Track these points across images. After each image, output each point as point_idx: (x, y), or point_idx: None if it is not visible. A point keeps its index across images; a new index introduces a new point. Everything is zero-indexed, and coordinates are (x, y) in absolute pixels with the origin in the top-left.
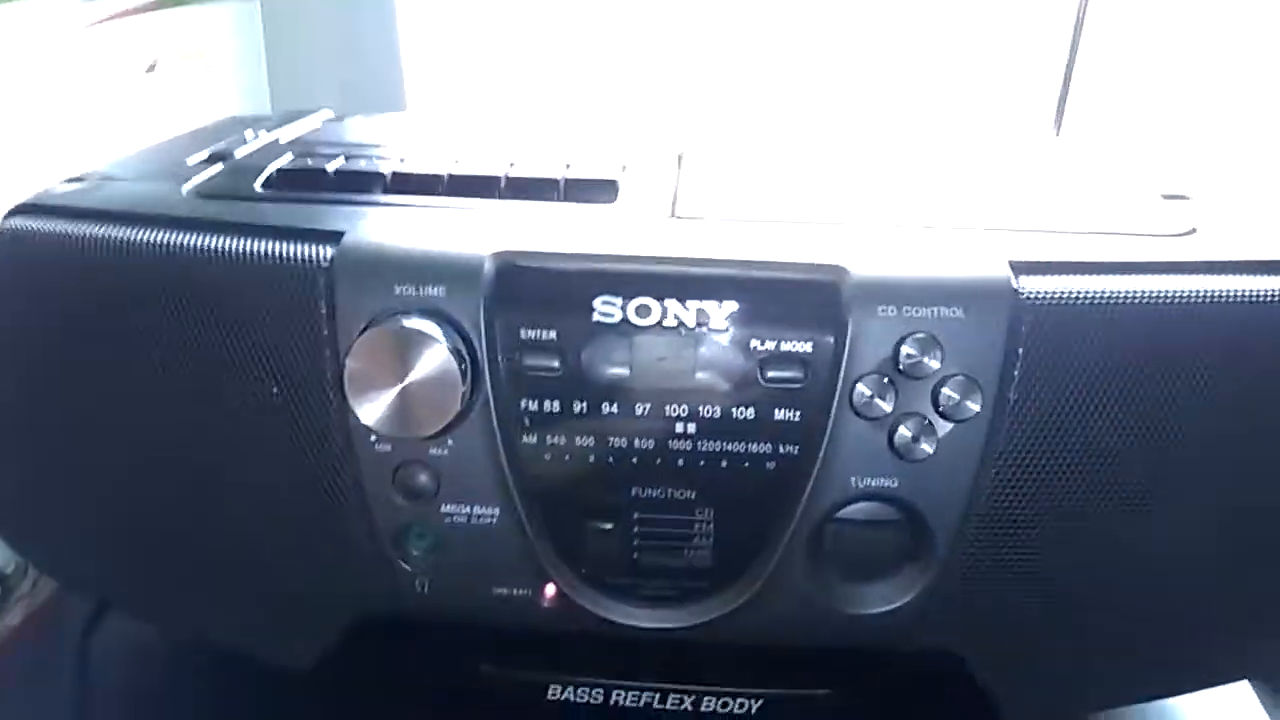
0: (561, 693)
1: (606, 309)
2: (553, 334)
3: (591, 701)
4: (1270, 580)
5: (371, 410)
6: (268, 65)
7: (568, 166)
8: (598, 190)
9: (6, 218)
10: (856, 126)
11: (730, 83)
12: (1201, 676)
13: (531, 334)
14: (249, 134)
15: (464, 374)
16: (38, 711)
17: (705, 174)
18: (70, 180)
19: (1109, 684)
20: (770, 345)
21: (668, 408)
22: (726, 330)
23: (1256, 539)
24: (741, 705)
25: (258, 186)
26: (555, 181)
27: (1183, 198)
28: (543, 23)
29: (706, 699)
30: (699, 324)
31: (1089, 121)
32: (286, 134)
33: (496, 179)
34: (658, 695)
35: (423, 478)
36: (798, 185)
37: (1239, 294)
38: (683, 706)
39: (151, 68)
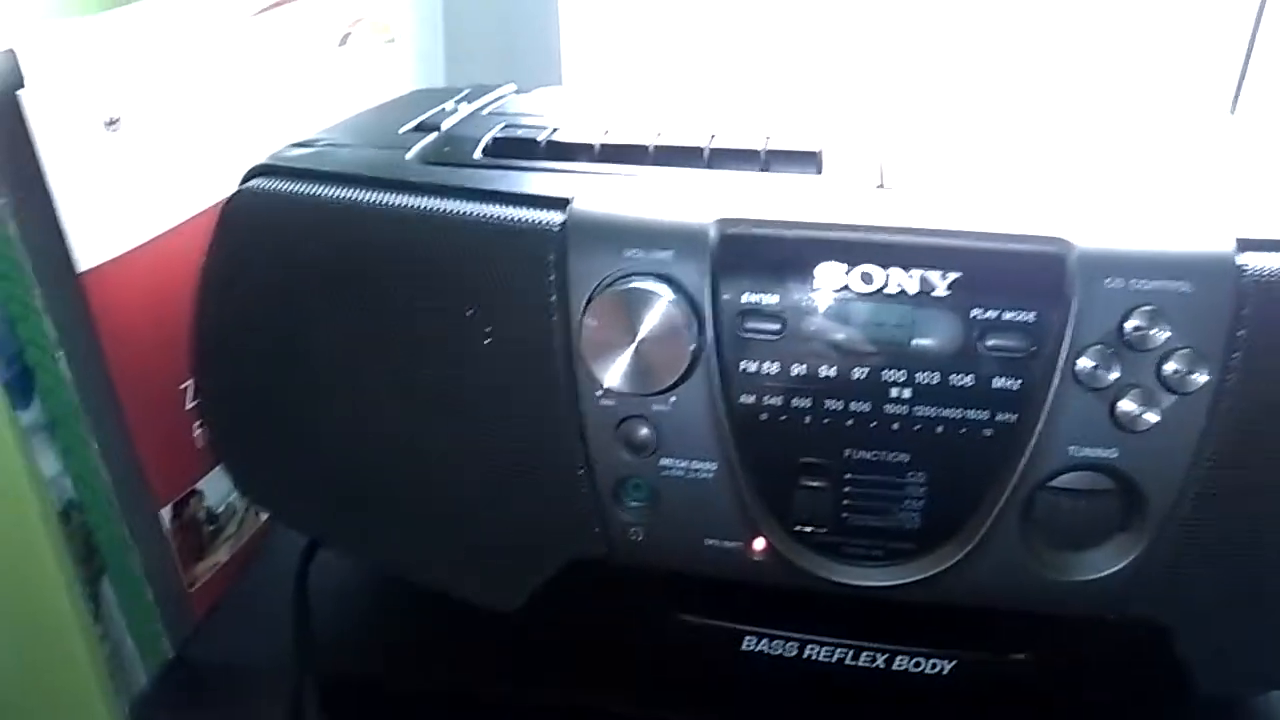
0: (756, 644)
1: (829, 276)
2: (775, 299)
3: (785, 655)
4: None
5: (606, 367)
6: (444, 42)
7: (768, 139)
8: (802, 161)
9: (246, 179)
10: (1041, 106)
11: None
12: None
13: (754, 298)
14: (449, 105)
15: (690, 333)
16: (258, 642)
17: (905, 148)
18: (297, 145)
19: None
20: (992, 314)
21: (885, 372)
22: (948, 298)
23: None
24: (934, 665)
25: (478, 154)
26: (758, 152)
27: None
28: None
29: (899, 658)
30: (921, 291)
31: (1260, 105)
32: (485, 106)
33: (700, 150)
34: (851, 652)
35: (644, 432)
36: (1000, 159)
37: None
38: (875, 664)
39: (344, 41)
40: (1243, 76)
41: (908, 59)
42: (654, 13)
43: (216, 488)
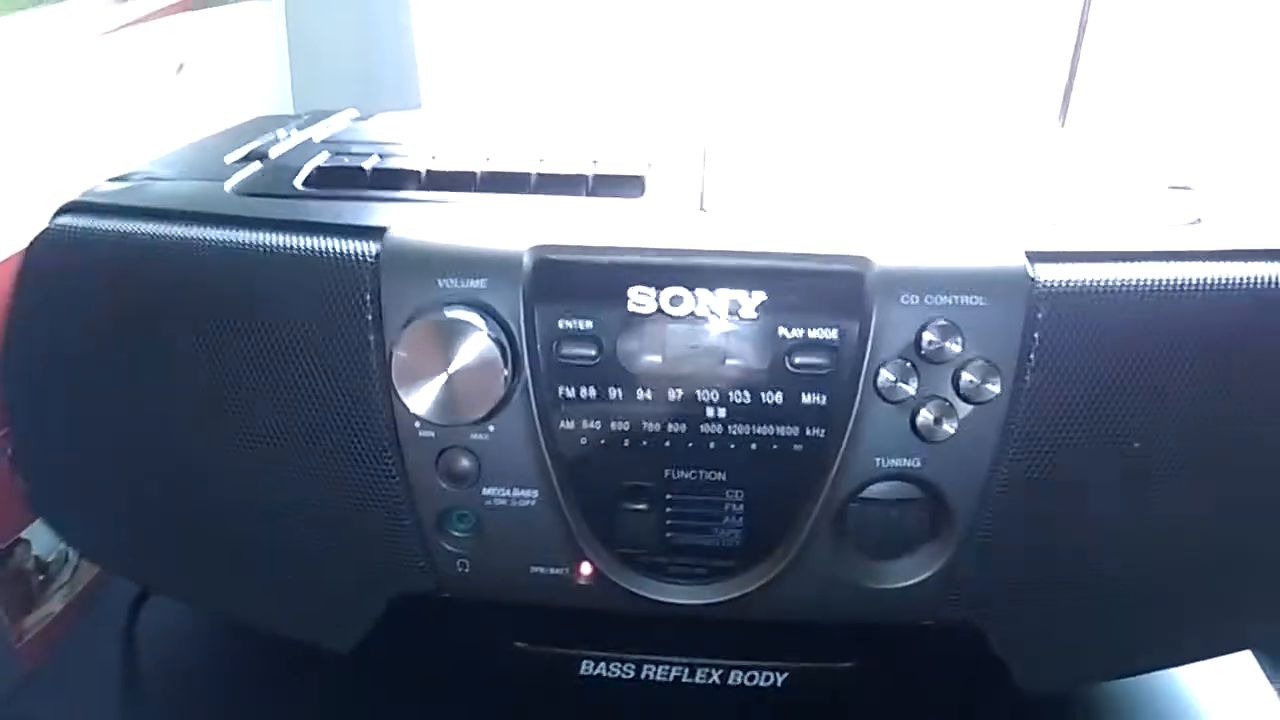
0: (594, 667)
1: (641, 299)
2: (589, 324)
3: (623, 676)
4: (1269, 553)
5: (419, 398)
6: (291, 64)
7: (595, 162)
8: (626, 185)
9: (55, 216)
10: (868, 119)
11: (742, 78)
12: (1206, 647)
13: (569, 324)
14: (281, 133)
15: (505, 362)
16: (85, 695)
17: (729, 168)
18: (114, 180)
19: (1117, 654)
20: (798, 333)
21: (699, 393)
22: (756, 319)
23: (1256, 515)
24: (767, 678)
25: (298, 184)
26: (584, 177)
27: (1187, 188)
28: (550, 21)
29: (734, 672)
30: (730, 313)
31: (1093, 113)
32: (318, 133)
33: (527, 175)
34: (686, 669)
35: (465, 462)
36: (818, 178)
37: (1244, 281)
38: (710, 679)
39: (180, 68)
40: (1070, 86)
41: (745, 69)
42: (510, 31)
43: (45, 535)
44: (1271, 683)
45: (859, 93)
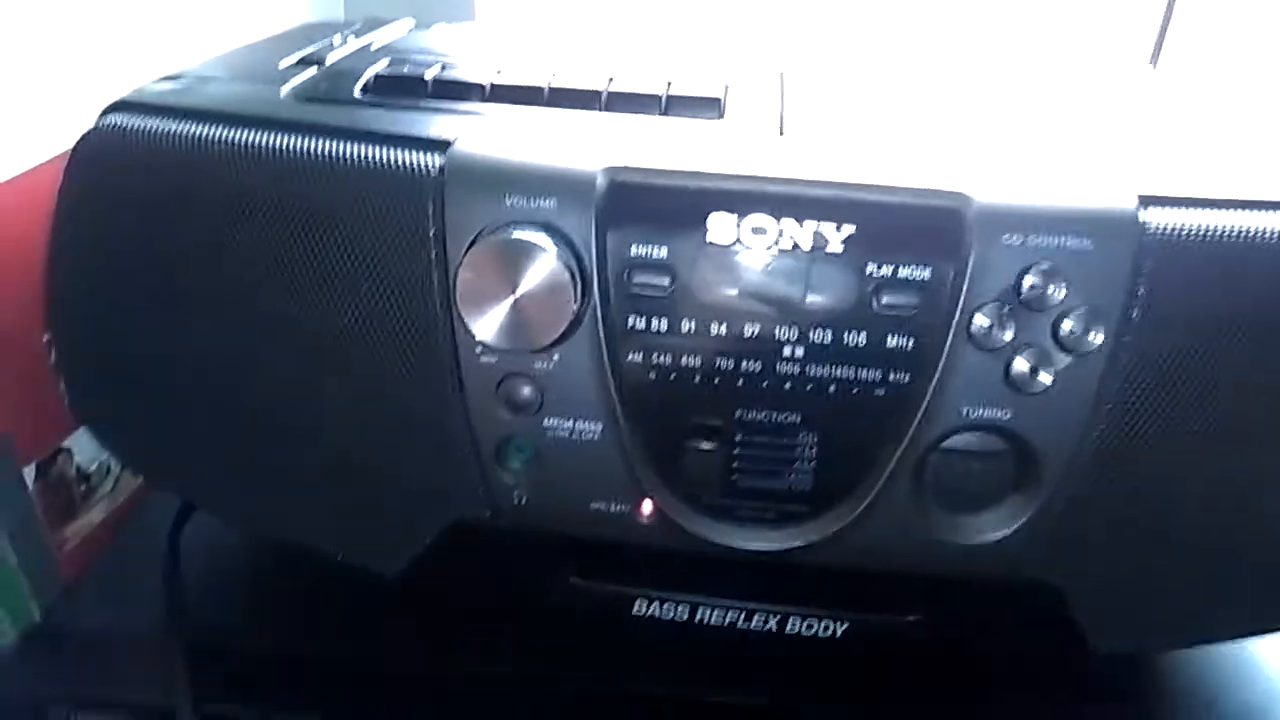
0: (647, 608)
1: (721, 227)
2: (664, 251)
3: (676, 618)
4: None
5: (482, 321)
6: None
7: (668, 82)
8: (702, 107)
9: (103, 114)
10: (952, 52)
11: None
12: None
13: (642, 250)
14: (337, 39)
15: (574, 288)
16: (126, 606)
17: (810, 93)
18: (164, 79)
19: (1198, 620)
20: (887, 271)
21: (777, 330)
22: (843, 253)
23: None
24: (827, 628)
25: (357, 91)
26: (657, 97)
27: None
28: None
29: (792, 620)
30: (815, 246)
31: (1184, 58)
32: (375, 40)
33: (597, 93)
34: (743, 614)
35: (526, 390)
36: (905, 109)
37: None
38: (767, 626)
39: None
40: (1164, 29)
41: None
42: None
43: (88, 445)
44: None
45: (944, 24)
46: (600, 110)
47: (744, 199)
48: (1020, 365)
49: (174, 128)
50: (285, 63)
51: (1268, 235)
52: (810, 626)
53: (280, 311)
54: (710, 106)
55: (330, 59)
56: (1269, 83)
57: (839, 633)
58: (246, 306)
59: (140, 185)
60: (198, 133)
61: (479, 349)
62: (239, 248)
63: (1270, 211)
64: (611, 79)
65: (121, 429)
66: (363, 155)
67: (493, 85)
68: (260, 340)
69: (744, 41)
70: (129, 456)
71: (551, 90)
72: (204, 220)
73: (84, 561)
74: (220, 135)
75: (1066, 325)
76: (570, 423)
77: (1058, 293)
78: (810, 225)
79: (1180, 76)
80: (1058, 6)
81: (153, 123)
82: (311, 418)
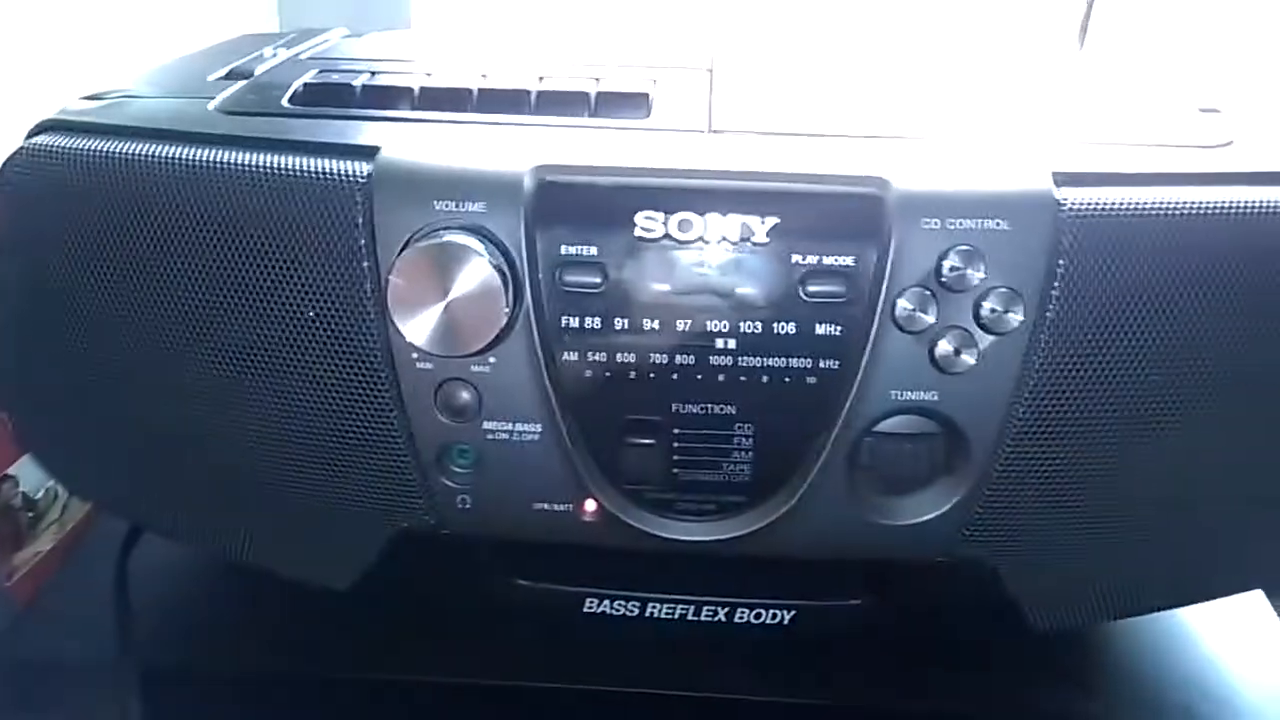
0: (598, 605)
1: (648, 224)
2: (594, 250)
3: (627, 614)
4: None
5: (416, 327)
6: None
7: (597, 80)
8: (630, 104)
9: (30, 135)
10: (880, 39)
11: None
12: (1218, 586)
13: (573, 250)
14: (267, 51)
15: (506, 290)
16: (76, 633)
17: (737, 87)
18: (89, 97)
19: (1129, 592)
20: (812, 259)
21: (709, 323)
22: (768, 244)
23: (1272, 454)
24: (774, 616)
25: (285, 102)
26: (586, 95)
27: (1216, 111)
28: None
29: (740, 610)
30: (741, 238)
31: (1111, 39)
32: (306, 50)
33: (527, 93)
34: (692, 607)
35: (464, 395)
36: (830, 98)
37: (1275, 205)
38: (716, 618)
39: None
40: (1088, 13)
41: None
42: None
43: (33, 472)
44: None
45: (869, 12)
46: (530, 111)
47: (669, 195)
48: (944, 347)
49: (102, 146)
50: (213, 76)
51: (1183, 209)
52: (758, 615)
53: (215, 327)
54: (638, 104)
55: (259, 71)
56: (1192, 60)
57: (786, 619)
58: (182, 324)
59: (71, 206)
60: (126, 150)
61: (415, 355)
62: (171, 264)
63: (1184, 186)
64: (541, 78)
65: (64, 455)
66: (290, 165)
67: (421, 90)
68: (196, 356)
69: (673, 36)
70: (74, 482)
71: (481, 93)
72: (136, 238)
73: (34, 589)
74: (148, 152)
75: (987, 306)
76: (510, 425)
77: (977, 274)
78: (735, 218)
79: (1104, 58)
80: None
81: (81, 142)
82: (250, 433)
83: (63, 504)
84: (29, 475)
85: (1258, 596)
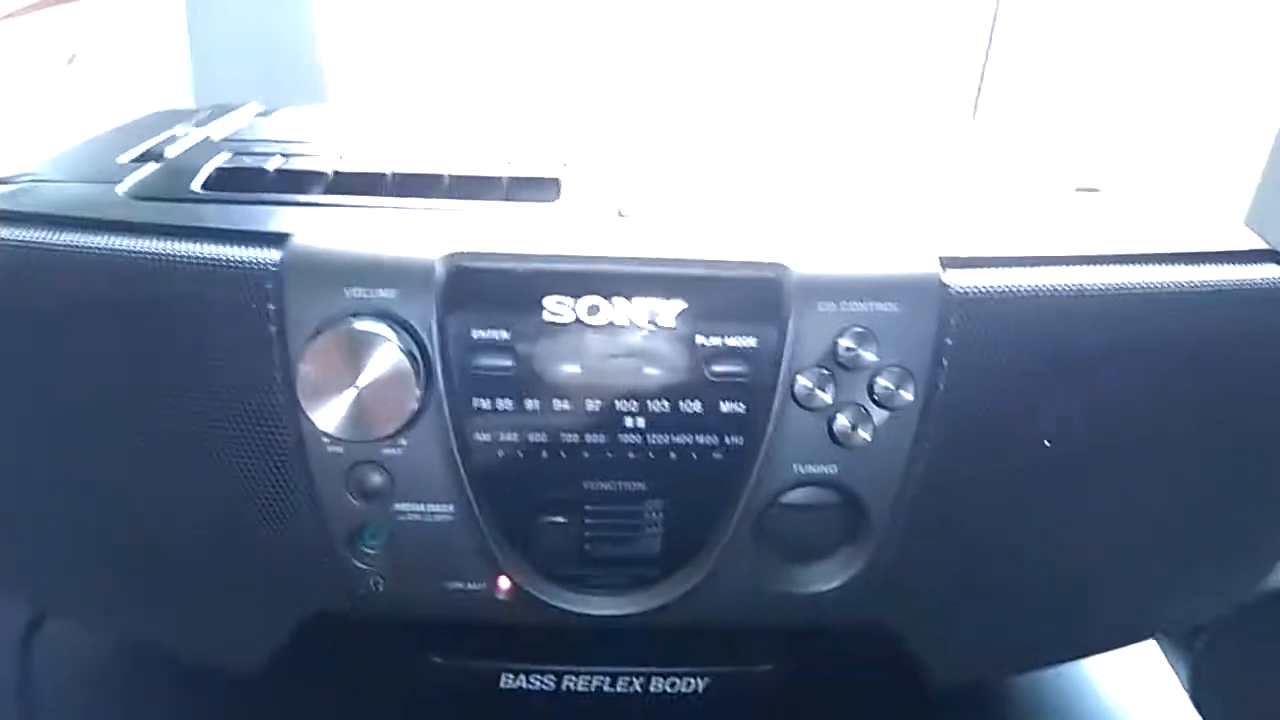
0: (514, 680)
1: (557, 308)
2: (505, 334)
3: (544, 688)
4: (1171, 547)
5: (326, 414)
6: (191, 56)
7: (509, 163)
8: (541, 188)
9: None
10: (785, 119)
11: (653, 78)
12: (1111, 637)
13: (484, 334)
14: (180, 130)
15: (417, 375)
16: None
17: (644, 171)
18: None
19: (1028, 648)
20: (717, 341)
21: (618, 403)
22: (674, 327)
23: (1162, 508)
24: (689, 684)
25: (196, 187)
26: (499, 180)
27: (1094, 190)
28: (458, 15)
29: (655, 680)
30: (648, 321)
31: (1003, 107)
32: (218, 130)
33: (440, 177)
34: (608, 679)
35: (376, 478)
36: (734, 182)
37: (1149, 286)
38: (632, 688)
39: (71, 60)
40: (980, 84)
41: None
42: (417, 24)
43: None
44: (1173, 667)
45: (774, 91)
46: (443, 196)
47: (577, 280)
48: (842, 422)
49: (9, 234)
50: (124, 158)
51: (1059, 291)
52: (673, 684)
53: (122, 414)
54: (549, 187)
55: (170, 152)
56: (1083, 131)
57: (700, 688)
58: (88, 409)
59: None
60: (34, 238)
61: (326, 440)
62: (77, 350)
63: (1065, 267)
64: (454, 161)
65: None
66: (199, 254)
67: (335, 174)
68: (101, 440)
69: (584, 113)
70: None
71: (395, 176)
72: (41, 326)
73: None
74: (55, 239)
75: (881, 383)
76: (422, 506)
77: (870, 354)
78: (642, 302)
79: (996, 130)
80: (884, 61)
81: None
82: (159, 518)
83: None
84: None
85: (1150, 646)
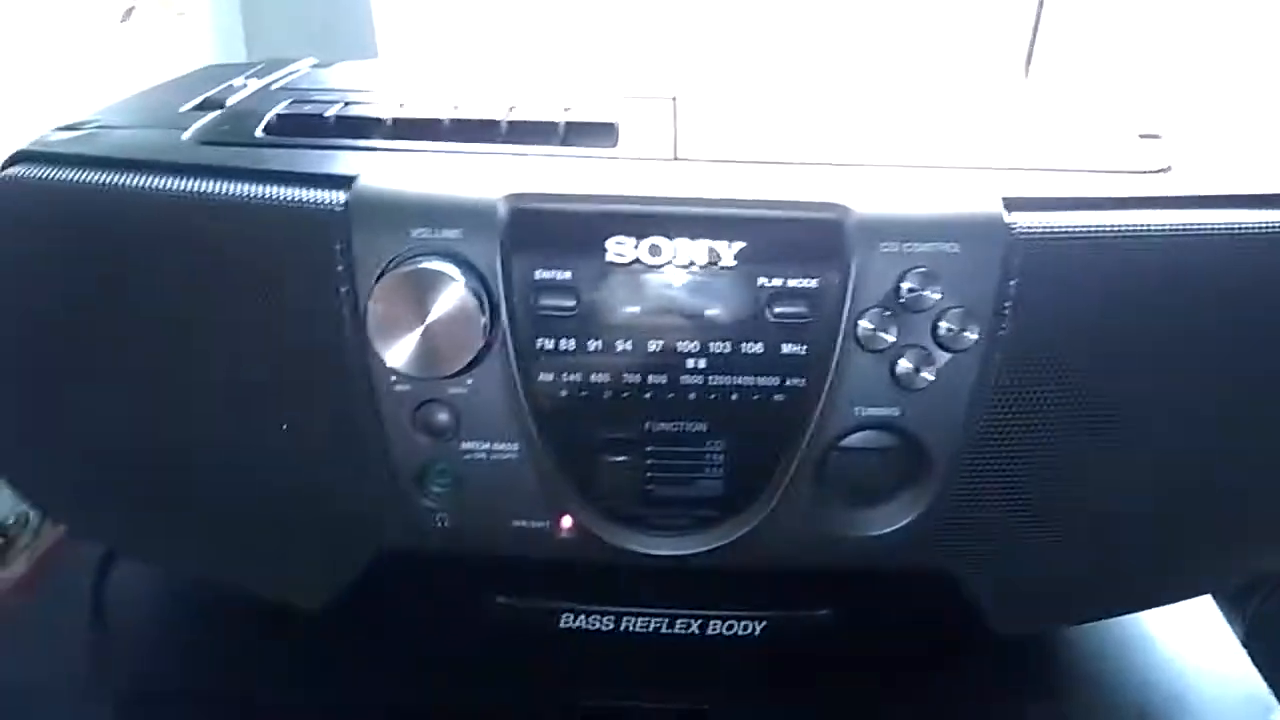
0: (574, 620)
1: (619, 249)
2: (567, 274)
3: (602, 628)
4: (1236, 501)
5: (395, 351)
6: (243, 12)
7: (566, 110)
8: (599, 134)
9: (5, 167)
10: (837, 69)
11: (710, 25)
12: (1172, 592)
13: (546, 275)
14: (238, 81)
15: (483, 313)
16: (52, 659)
17: (701, 116)
18: (63, 129)
19: (1088, 598)
20: (778, 282)
21: (679, 344)
22: (735, 267)
23: (1228, 462)
24: (746, 627)
25: (259, 132)
26: (556, 125)
27: (1156, 137)
28: None
29: (713, 622)
30: (709, 262)
31: (1055, 67)
32: (276, 81)
33: (498, 123)
34: (666, 620)
35: (442, 416)
36: (791, 127)
37: (1211, 227)
38: (690, 630)
39: (127, 15)
40: (1033, 40)
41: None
42: None
43: (5, 497)
44: (1230, 625)
45: (827, 43)
46: (501, 141)
47: (639, 221)
48: (904, 365)
49: (78, 177)
50: (186, 107)
51: (1125, 231)
52: (730, 627)
53: (192, 354)
54: (607, 133)
55: (231, 101)
56: (1134, 84)
57: (758, 631)
58: (158, 351)
59: (47, 235)
60: (102, 180)
61: (393, 378)
62: (148, 294)
63: (1125, 210)
64: (511, 108)
65: (37, 479)
66: (267, 195)
67: (395, 120)
68: (173, 383)
69: (639, 66)
70: (47, 506)
71: (453, 122)
72: (112, 267)
73: (8, 616)
74: (125, 182)
75: (944, 325)
76: (487, 445)
77: (934, 295)
78: (703, 243)
79: (1052, 84)
80: (936, 21)
81: (56, 173)
82: (228, 457)
83: (35, 529)
84: (1, 502)
85: (1207, 601)
